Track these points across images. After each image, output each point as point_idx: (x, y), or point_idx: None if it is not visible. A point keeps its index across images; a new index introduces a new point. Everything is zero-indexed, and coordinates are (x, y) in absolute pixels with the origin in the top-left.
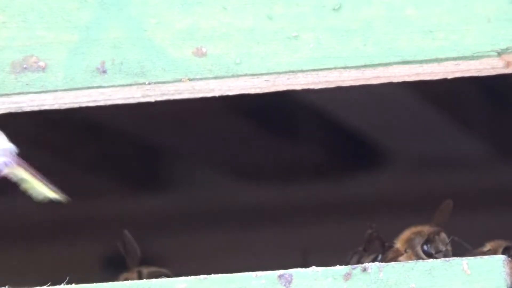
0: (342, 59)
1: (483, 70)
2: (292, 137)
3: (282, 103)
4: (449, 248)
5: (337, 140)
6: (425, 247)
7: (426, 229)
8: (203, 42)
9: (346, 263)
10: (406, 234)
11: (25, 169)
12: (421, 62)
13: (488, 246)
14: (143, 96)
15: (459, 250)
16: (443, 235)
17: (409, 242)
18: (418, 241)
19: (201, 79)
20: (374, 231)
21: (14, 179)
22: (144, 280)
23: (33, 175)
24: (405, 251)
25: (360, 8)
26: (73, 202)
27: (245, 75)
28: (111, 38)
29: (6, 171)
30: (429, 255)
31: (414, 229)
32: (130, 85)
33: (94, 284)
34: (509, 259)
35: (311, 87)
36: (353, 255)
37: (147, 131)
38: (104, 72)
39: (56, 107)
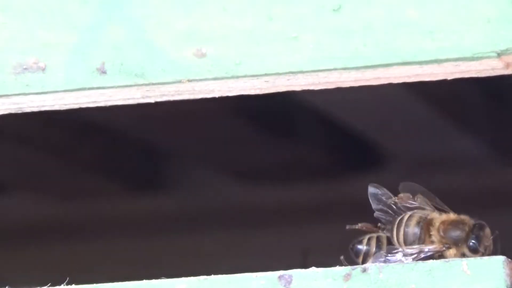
0: (342, 60)
1: (483, 71)
2: (292, 138)
3: (282, 104)
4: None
5: (337, 141)
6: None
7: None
8: (203, 43)
9: None
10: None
11: None
12: (421, 63)
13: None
14: (143, 97)
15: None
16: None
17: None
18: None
19: (201, 80)
20: None
21: None
22: (144, 280)
23: None
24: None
25: (360, 8)
26: (73, 202)
27: (245, 76)
28: (111, 39)
29: None
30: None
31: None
32: (130, 86)
33: (94, 284)
34: (509, 259)
35: (311, 88)
36: None
37: (147, 131)
38: (104, 73)
39: (56, 108)
